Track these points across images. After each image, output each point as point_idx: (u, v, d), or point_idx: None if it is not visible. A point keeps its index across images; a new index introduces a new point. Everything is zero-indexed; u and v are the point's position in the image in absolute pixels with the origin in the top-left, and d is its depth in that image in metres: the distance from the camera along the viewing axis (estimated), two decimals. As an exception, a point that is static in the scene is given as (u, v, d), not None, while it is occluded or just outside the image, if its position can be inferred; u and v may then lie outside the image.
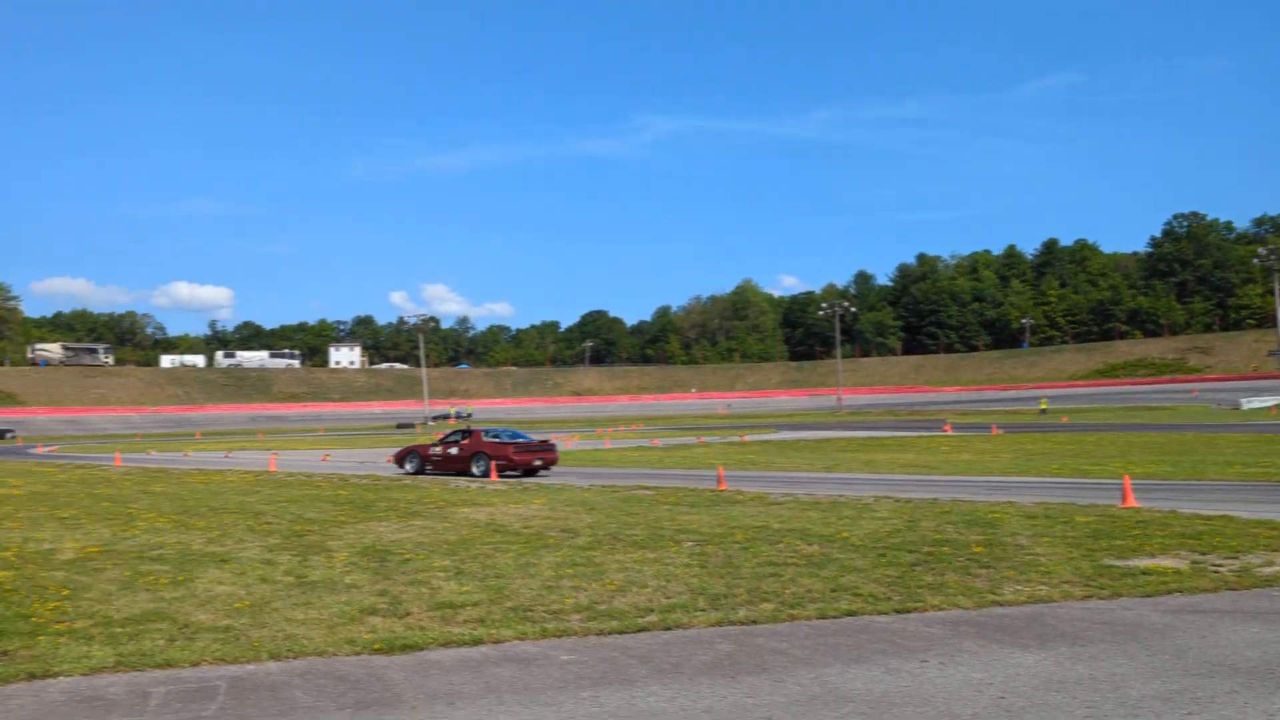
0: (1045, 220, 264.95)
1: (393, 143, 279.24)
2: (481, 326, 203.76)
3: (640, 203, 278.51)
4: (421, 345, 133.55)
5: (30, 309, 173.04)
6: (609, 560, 10.18)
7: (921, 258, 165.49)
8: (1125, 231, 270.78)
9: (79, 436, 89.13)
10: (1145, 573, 8.81)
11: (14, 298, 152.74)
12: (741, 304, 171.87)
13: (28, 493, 21.74)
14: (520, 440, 27.16)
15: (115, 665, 6.29)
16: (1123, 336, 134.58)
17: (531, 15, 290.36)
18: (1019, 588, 8.35)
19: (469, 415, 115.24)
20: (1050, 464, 23.89)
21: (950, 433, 47.64)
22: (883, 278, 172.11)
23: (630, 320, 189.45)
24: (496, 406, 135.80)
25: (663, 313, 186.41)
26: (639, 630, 7.12)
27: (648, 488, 19.45)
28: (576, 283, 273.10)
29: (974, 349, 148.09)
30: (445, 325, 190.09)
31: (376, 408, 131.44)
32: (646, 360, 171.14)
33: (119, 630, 7.24)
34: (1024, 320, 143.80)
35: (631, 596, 8.24)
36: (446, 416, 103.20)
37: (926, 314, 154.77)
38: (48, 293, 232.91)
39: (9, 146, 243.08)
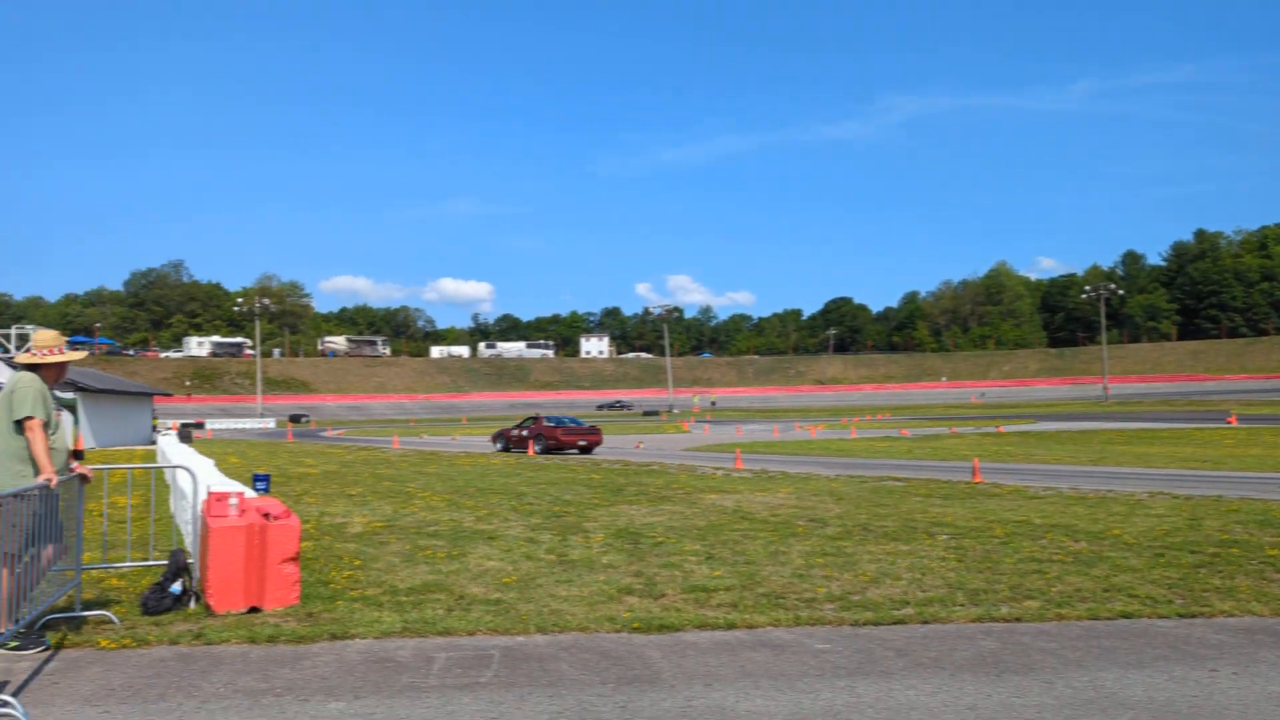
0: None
1: (635, 139, 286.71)
2: (724, 316, 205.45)
3: (886, 186, 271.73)
4: (666, 335, 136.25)
5: (319, 305, 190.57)
6: (860, 551, 10.04)
7: (1200, 234, 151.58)
8: None
9: (361, 421, 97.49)
10: None
11: (306, 295, 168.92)
12: (995, 288, 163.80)
13: (322, 472, 24.04)
14: (568, 425, 33.07)
15: (402, 631, 6.86)
16: None
17: None
18: (1326, 597, 7.52)
19: (713, 404, 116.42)
20: (1361, 461, 21.32)
21: (1236, 425, 43.42)
22: (1154, 257, 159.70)
23: (875, 307, 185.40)
24: (738, 395, 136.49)
25: (910, 298, 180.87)
26: (894, 622, 6.98)
27: (897, 479, 18.99)
28: (819, 270, 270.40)
29: (1263, 333, 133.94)
30: (688, 315, 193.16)
31: (624, 395, 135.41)
32: (893, 348, 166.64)
33: (404, 599, 7.88)
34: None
35: (885, 588, 8.09)
36: (690, 404, 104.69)
37: (1206, 295, 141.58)
38: (333, 290, 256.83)
39: (305, 162, 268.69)
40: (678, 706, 5.16)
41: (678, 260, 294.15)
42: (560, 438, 32.11)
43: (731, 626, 6.93)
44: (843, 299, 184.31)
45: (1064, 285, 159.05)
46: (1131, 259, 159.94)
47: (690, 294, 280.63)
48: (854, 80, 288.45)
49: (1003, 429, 45.59)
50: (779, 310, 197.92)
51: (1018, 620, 6.99)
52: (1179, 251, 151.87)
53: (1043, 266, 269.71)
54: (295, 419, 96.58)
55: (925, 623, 6.97)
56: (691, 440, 41.73)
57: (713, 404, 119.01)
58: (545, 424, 33.20)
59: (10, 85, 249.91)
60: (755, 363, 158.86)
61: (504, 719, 4.99)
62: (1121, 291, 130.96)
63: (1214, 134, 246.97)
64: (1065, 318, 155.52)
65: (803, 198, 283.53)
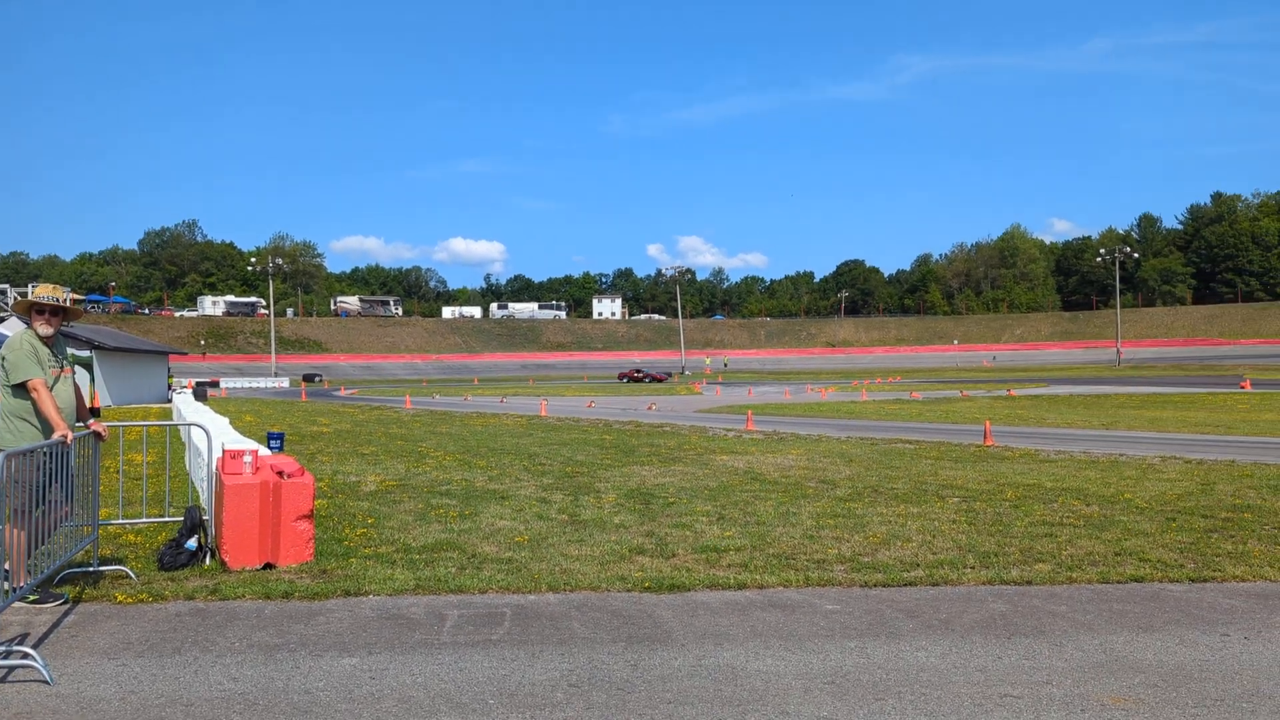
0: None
1: (647, 97, 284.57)
2: (736, 278, 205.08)
3: (898, 147, 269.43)
4: (679, 296, 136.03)
5: (331, 265, 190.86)
6: (870, 513, 10.05)
7: (1217, 197, 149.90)
8: None
9: (373, 381, 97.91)
10: None
11: (318, 255, 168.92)
12: (1009, 251, 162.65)
13: (334, 431, 24.16)
14: None
15: (415, 588, 6.91)
16: None
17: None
18: (1339, 562, 7.50)
19: (725, 365, 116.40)
20: (1376, 427, 21.20)
21: (1249, 390, 43.20)
22: (1170, 220, 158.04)
23: (888, 270, 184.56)
24: (750, 356, 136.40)
25: (923, 261, 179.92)
26: (904, 584, 7.00)
27: (908, 441, 18.98)
28: (831, 232, 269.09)
29: (1279, 298, 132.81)
30: (700, 277, 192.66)
31: (636, 357, 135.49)
32: (905, 311, 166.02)
33: (416, 557, 7.94)
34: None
35: (895, 550, 8.11)
36: (703, 366, 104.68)
37: (1222, 259, 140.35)
38: (345, 250, 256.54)
39: (306, 117, 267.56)
40: (688, 665, 5.20)
41: (690, 222, 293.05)
42: None
43: (742, 587, 6.96)
44: (855, 261, 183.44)
45: (1078, 248, 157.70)
46: (1147, 222, 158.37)
47: (702, 255, 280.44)
48: (865, 39, 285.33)
49: (1014, 392, 45.48)
50: (791, 273, 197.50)
51: (1028, 583, 7.00)
52: (1195, 215, 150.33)
53: (1057, 229, 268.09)
54: (309, 378, 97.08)
55: (935, 585, 6.99)
56: (703, 402, 41.78)
57: (725, 365, 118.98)
58: None
59: (26, 49, 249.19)
60: (767, 325, 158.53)
61: (515, 676, 5.04)
62: (1136, 255, 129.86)
63: (1232, 94, 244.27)
64: (1079, 281, 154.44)
65: (815, 159, 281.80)
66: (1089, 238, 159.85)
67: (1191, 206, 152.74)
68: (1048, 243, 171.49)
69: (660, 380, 76.37)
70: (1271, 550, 7.94)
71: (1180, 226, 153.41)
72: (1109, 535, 8.62)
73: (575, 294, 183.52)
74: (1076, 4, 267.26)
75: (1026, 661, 5.23)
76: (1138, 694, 4.70)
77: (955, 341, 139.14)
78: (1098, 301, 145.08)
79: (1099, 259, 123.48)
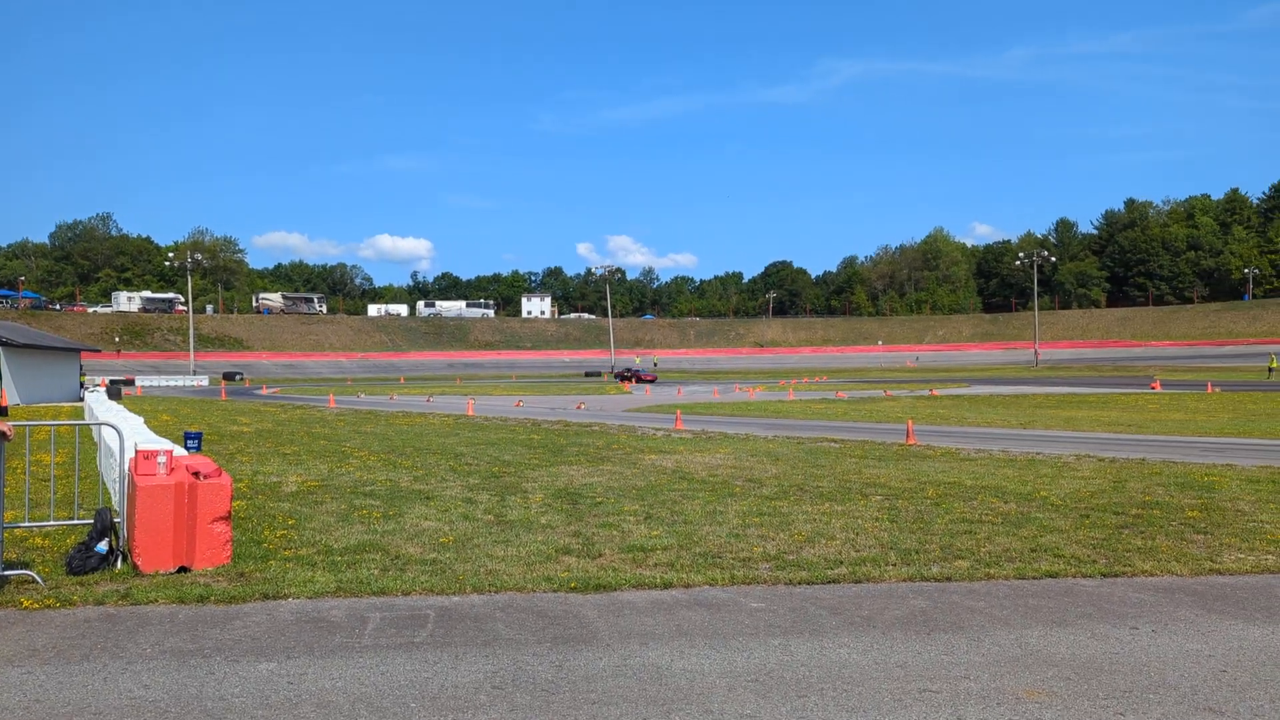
0: (1273, 161, 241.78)
1: (577, 96, 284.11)
2: (666, 277, 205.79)
3: (825, 150, 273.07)
4: (609, 296, 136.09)
5: (253, 261, 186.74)
6: (796, 511, 10.16)
7: (1130, 204, 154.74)
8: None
9: (296, 379, 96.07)
10: (1390, 546, 8.04)
11: (239, 251, 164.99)
12: (932, 254, 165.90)
13: (255, 430, 23.64)
14: None
15: (336, 590, 6.78)
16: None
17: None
18: (1241, 556, 7.80)
19: (654, 365, 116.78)
20: (1276, 425, 22.10)
21: (1159, 390, 44.72)
22: (1086, 225, 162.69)
23: (815, 271, 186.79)
24: (680, 356, 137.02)
25: (849, 263, 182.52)
26: (828, 582, 7.08)
27: (833, 440, 19.24)
28: (760, 233, 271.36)
29: (1188, 301, 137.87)
30: (631, 276, 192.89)
31: (566, 356, 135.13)
32: (831, 312, 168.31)
33: (338, 559, 7.80)
34: (1247, 270, 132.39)
35: (820, 548, 8.20)
36: (633, 365, 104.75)
37: (1134, 264, 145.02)
38: (267, 246, 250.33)
39: (226, 110, 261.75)
40: (613, 665, 5.18)
41: (620, 221, 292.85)
42: None
43: (668, 586, 6.97)
44: (783, 263, 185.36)
45: (999, 252, 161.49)
46: (1064, 227, 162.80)
47: (632, 255, 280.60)
48: (794, 43, 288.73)
49: (936, 392, 46.41)
50: (720, 273, 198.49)
51: (948, 580, 7.13)
52: (1110, 220, 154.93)
53: (978, 233, 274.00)
54: (229, 377, 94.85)
55: (858, 582, 7.09)
56: (632, 401, 41.83)
57: (654, 365, 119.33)
58: None
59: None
60: (696, 325, 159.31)
61: (438, 679, 4.97)
62: (1054, 259, 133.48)
63: (1145, 104, 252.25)
64: (999, 284, 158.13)
65: (744, 160, 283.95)
66: (1009, 241, 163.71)
67: (1106, 212, 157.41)
68: (969, 246, 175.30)
69: (651, 380, 75.13)
70: (1178, 546, 8.22)
71: (1095, 231, 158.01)
72: (1025, 532, 8.83)
73: (504, 292, 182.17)
74: (998, 14, 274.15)
75: (946, 657, 5.33)
76: (1051, 687, 4.82)
77: (880, 342, 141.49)
78: (1017, 304, 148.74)
79: (1018, 262, 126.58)
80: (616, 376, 79.53)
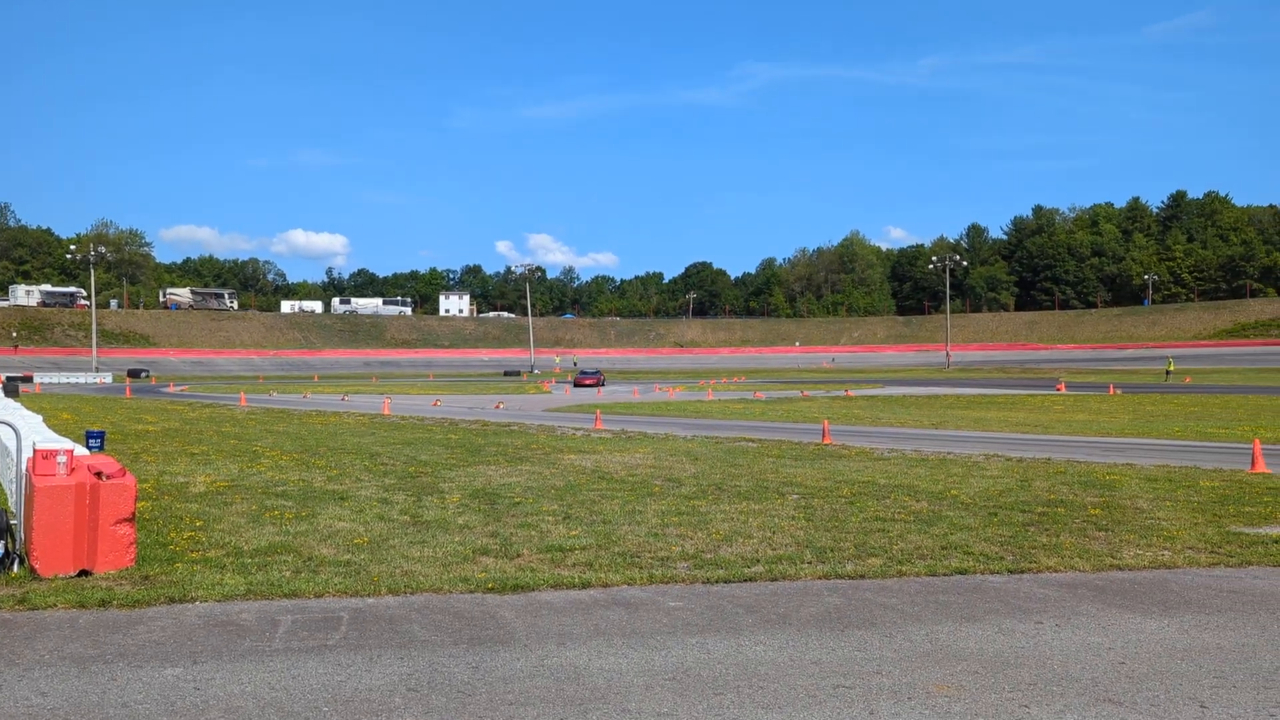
0: (1172, 171, 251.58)
1: (495, 93, 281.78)
2: (586, 277, 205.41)
3: (744, 153, 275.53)
4: (528, 295, 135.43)
5: (160, 255, 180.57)
6: (714, 510, 10.23)
7: (1038, 210, 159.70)
8: (1260, 183, 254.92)
9: (206, 377, 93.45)
10: (1278, 541, 8.43)
11: (146, 244, 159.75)
12: (848, 256, 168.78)
13: (162, 429, 22.93)
14: None
15: (246, 593, 6.62)
16: (1254, 295, 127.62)
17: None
18: (1139, 552, 8.10)
19: (574, 365, 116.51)
20: (1172, 426, 23.00)
21: (1064, 392, 46.21)
22: (996, 231, 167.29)
23: (734, 272, 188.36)
24: (600, 356, 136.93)
25: (767, 265, 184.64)
26: (745, 580, 7.15)
27: (751, 440, 19.43)
28: (680, 234, 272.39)
29: (1091, 306, 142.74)
30: (551, 275, 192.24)
31: (485, 355, 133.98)
32: (750, 313, 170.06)
33: (248, 560, 7.61)
34: (1147, 276, 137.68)
35: (737, 547, 8.28)
36: (553, 367, 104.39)
37: (1042, 269, 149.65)
38: (175, 239, 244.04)
39: (135, 100, 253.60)
40: (530, 666, 5.15)
41: (540, 219, 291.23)
42: None
43: (586, 586, 6.97)
44: (703, 264, 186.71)
45: (913, 255, 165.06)
46: (975, 232, 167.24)
47: (552, 253, 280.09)
48: (714, 45, 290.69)
49: (851, 393, 47.20)
50: (641, 273, 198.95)
51: (862, 577, 7.26)
52: (1018, 226, 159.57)
53: (893, 236, 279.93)
54: (134, 374, 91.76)
55: (775, 580, 7.17)
56: (552, 401, 41.67)
57: (574, 365, 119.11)
58: None
59: None
60: (617, 324, 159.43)
61: (351, 682, 4.89)
62: (965, 263, 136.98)
63: (1052, 113, 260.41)
64: (913, 287, 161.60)
65: (664, 161, 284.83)
66: (922, 246, 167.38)
67: (1015, 218, 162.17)
68: (884, 249, 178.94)
69: (600, 383, 70.19)
70: (1081, 542, 8.50)
71: (1005, 237, 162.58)
72: (936, 530, 9.04)
73: (422, 290, 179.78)
74: (912, 22, 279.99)
75: (859, 653, 5.42)
76: (960, 681, 4.94)
77: (797, 343, 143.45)
78: (930, 306, 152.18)
79: (931, 266, 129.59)
80: (574, 382, 72.33)
